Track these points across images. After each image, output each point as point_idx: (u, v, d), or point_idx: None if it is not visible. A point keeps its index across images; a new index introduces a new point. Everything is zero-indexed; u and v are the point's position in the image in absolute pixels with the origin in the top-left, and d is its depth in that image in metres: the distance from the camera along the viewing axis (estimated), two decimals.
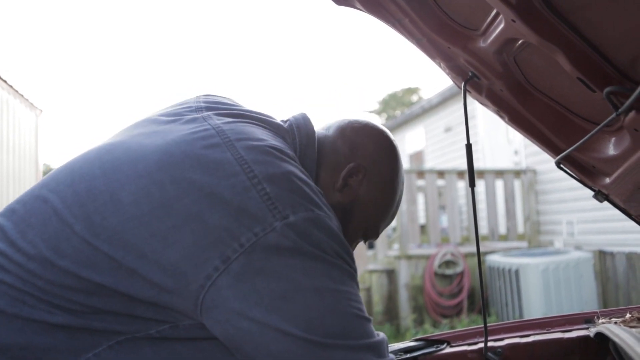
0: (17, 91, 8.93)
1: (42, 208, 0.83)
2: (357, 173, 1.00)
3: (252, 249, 0.74)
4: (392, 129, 12.11)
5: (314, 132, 1.01)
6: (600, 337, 1.15)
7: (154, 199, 0.77)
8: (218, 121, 0.88)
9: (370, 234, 1.07)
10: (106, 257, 0.76)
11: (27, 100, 9.64)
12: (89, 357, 0.76)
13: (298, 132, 0.98)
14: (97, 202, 0.79)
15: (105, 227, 0.77)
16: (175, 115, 0.93)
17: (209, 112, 0.92)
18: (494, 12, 0.91)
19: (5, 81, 8.41)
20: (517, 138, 7.42)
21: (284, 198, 0.77)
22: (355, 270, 0.83)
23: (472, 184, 1.18)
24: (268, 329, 0.74)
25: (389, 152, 1.06)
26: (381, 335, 0.83)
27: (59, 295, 0.76)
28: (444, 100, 9.37)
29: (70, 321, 0.76)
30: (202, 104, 0.95)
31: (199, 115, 0.91)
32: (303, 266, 0.75)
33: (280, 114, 1.07)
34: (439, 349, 1.25)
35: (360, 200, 1.01)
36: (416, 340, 1.30)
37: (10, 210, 0.86)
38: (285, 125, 0.99)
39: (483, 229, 6.77)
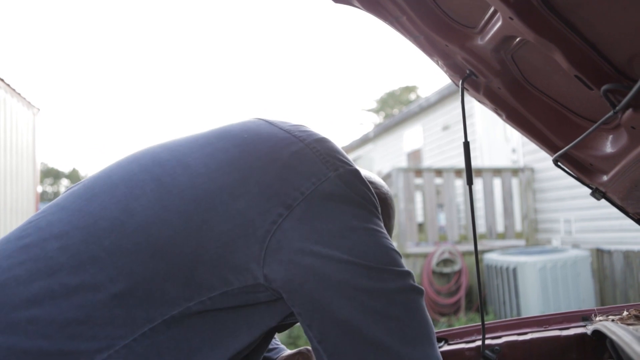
0: (14, 90, 8.92)
1: (106, 180, 0.89)
2: None
3: (312, 195, 0.84)
4: (390, 128, 12.11)
5: None
6: (598, 334, 1.15)
7: (220, 159, 0.87)
8: (252, 119, 0.99)
9: None
10: (177, 212, 0.82)
11: (24, 99, 9.62)
12: (145, 332, 0.78)
13: None
14: (165, 167, 0.87)
15: (175, 185, 0.84)
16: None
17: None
18: (492, 9, 0.91)
19: (2, 80, 8.39)
20: (514, 136, 7.43)
21: (333, 154, 0.89)
22: (381, 217, 0.93)
23: (469, 182, 1.18)
24: (329, 260, 0.82)
25: (392, 211, 1.15)
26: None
27: (124, 255, 0.79)
28: (441, 98, 9.38)
29: (130, 289, 0.78)
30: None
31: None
32: (351, 210, 0.86)
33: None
34: None
35: None
36: None
37: (70, 193, 0.92)
38: None
39: (481, 227, 6.79)
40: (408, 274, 0.88)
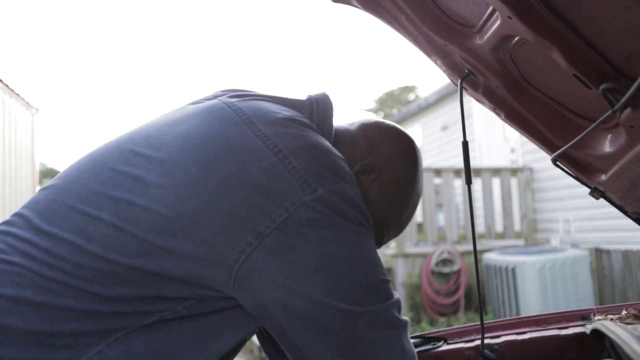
0: (12, 90, 8.90)
1: (65, 196, 0.84)
2: (371, 172, 0.97)
3: (285, 224, 0.76)
4: None
5: (332, 109, 0.98)
6: (597, 333, 1.15)
7: (179, 181, 0.78)
8: (233, 100, 0.89)
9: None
10: (135, 239, 0.77)
11: (23, 99, 9.61)
12: (118, 337, 0.77)
13: (317, 107, 0.96)
14: (122, 186, 0.80)
15: (132, 211, 0.78)
16: (193, 104, 0.95)
17: (225, 96, 0.93)
18: (490, 9, 0.91)
19: (1, 80, 8.38)
20: (513, 136, 7.44)
21: (311, 171, 0.79)
22: (372, 232, 0.85)
23: (468, 182, 1.18)
24: (302, 298, 0.76)
25: (409, 158, 1.01)
26: (396, 294, 0.87)
27: (88, 278, 0.77)
28: (440, 98, 9.37)
29: (98, 307, 0.76)
30: (219, 92, 0.97)
31: (215, 100, 0.91)
32: (333, 237, 0.77)
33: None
34: (435, 346, 1.25)
35: (369, 202, 0.93)
36: (413, 337, 1.30)
37: (35, 201, 0.87)
38: (304, 100, 0.97)
39: (480, 227, 6.78)
40: (386, 310, 0.81)
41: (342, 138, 0.99)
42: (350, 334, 0.78)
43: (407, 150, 1.02)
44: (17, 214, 0.87)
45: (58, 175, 0.91)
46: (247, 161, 0.78)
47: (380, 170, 0.98)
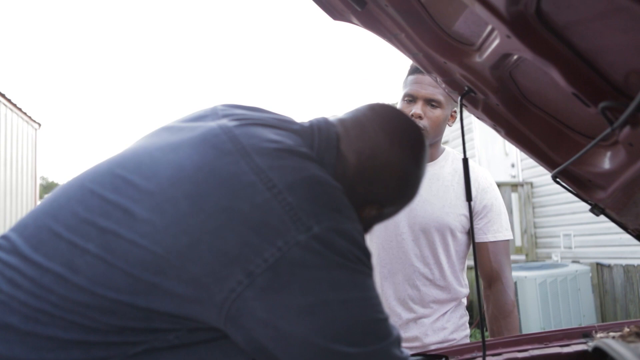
0: (15, 105, 8.94)
1: (53, 222, 0.81)
2: (372, 207, 0.94)
3: (277, 263, 0.73)
4: None
5: (335, 137, 0.92)
6: (599, 352, 1.14)
7: (168, 216, 0.75)
8: (231, 124, 0.85)
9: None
10: (123, 273, 0.74)
11: (25, 114, 9.64)
12: None
13: (319, 134, 0.91)
14: (110, 218, 0.77)
15: (119, 245, 0.75)
16: (190, 122, 0.91)
17: (224, 119, 0.88)
18: (490, 27, 0.91)
19: (3, 95, 8.42)
20: (513, 151, 7.45)
21: (307, 207, 0.75)
22: (372, 269, 0.82)
23: (469, 199, 1.18)
24: (294, 339, 0.75)
25: (417, 157, 0.95)
26: (396, 329, 0.85)
27: (74, 311, 0.75)
28: None
29: (86, 337, 0.75)
30: (219, 111, 0.92)
31: (213, 123, 0.88)
32: (329, 278, 0.75)
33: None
34: None
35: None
36: (414, 355, 1.29)
37: (23, 226, 0.84)
38: (306, 127, 0.92)
39: None
40: (384, 349, 0.80)
41: (345, 163, 0.91)
42: None
43: (415, 153, 0.95)
44: (4, 237, 0.84)
45: (47, 197, 0.89)
46: (239, 196, 0.75)
47: (381, 204, 0.95)
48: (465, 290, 1.80)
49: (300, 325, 0.74)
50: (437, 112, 1.73)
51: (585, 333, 1.31)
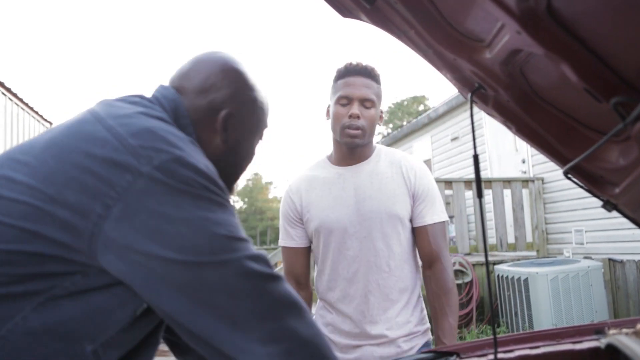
0: (27, 104, 9.01)
1: None
2: (230, 118, 1.12)
3: (127, 194, 0.86)
4: (398, 139, 12.11)
5: (174, 92, 1.11)
6: (611, 348, 1.14)
7: (40, 175, 0.89)
8: (94, 106, 1.02)
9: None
10: (9, 227, 0.86)
11: (37, 113, 9.71)
12: (17, 321, 0.84)
13: (166, 102, 1.08)
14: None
15: (3, 204, 0.88)
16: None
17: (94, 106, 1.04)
18: (500, 23, 0.91)
19: (15, 95, 8.49)
20: (524, 147, 7.41)
21: (147, 146, 0.90)
22: (225, 199, 0.94)
23: (479, 195, 1.18)
24: (150, 257, 0.86)
25: (240, 79, 1.15)
26: (257, 251, 0.94)
27: None
28: (450, 109, 9.37)
29: None
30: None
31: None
32: (172, 201, 0.87)
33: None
34: None
35: (243, 135, 1.16)
36: (425, 352, 1.29)
37: None
38: (152, 98, 1.09)
39: (491, 239, 6.75)
40: (237, 260, 0.88)
41: (188, 108, 1.10)
42: (201, 285, 0.87)
43: (236, 76, 1.15)
44: None
45: None
46: (94, 146, 0.90)
47: (233, 112, 1.12)
48: (421, 277, 1.93)
49: (152, 244, 0.85)
50: (372, 111, 1.84)
51: (597, 330, 1.31)
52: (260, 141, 1.23)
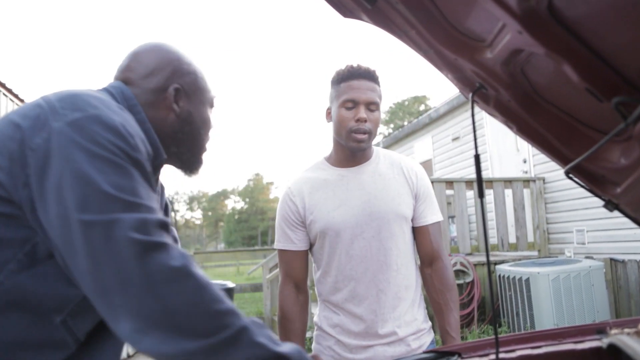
0: (17, 95, 9.01)
1: None
2: (178, 92, 1.21)
3: (40, 150, 0.90)
4: (399, 139, 12.11)
5: (118, 85, 1.18)
6: (613, 348, 1.14)
7: None
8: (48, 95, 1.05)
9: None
10: None
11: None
12: None
13: (112, 88, 1.16)
14: None
15: None
16: None
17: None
18: (501, 23, 0.91)
19: (17, 95, 8.51)
20: (525, 147, 7.40)
21: (65, 106, 0.94)
22: (137, 159, 0.95)
23: (481, 195, 1.18)
24: (57, 217, 0.88)
25: (178, 57, 1.24)
26: (157, 217, 0.92)
27: None
28: (451, 109, 9.36)
29: None
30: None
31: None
32: (74, 157, 0.89)
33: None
34: None
35: (194, 104, 1.24)
36: (427, 352, 1.29)
37: None
38: (103, 89, 1.16)
39: (492, 239, 6.74)
40: (116, 221, 0.86)
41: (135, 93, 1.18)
42: (77, 246, 0.87)
43: (173, 55, 1.24)
44: None
45: None
46: (26, 116, 0.95)
47: (180, 86, 1.21)
48: (419, 274, 1.98)
49: (55, 203, 0.88)
50: (377, 114, 1.86)
51: (599, 329, 1.30)
52: (211, 109, 1.31)
